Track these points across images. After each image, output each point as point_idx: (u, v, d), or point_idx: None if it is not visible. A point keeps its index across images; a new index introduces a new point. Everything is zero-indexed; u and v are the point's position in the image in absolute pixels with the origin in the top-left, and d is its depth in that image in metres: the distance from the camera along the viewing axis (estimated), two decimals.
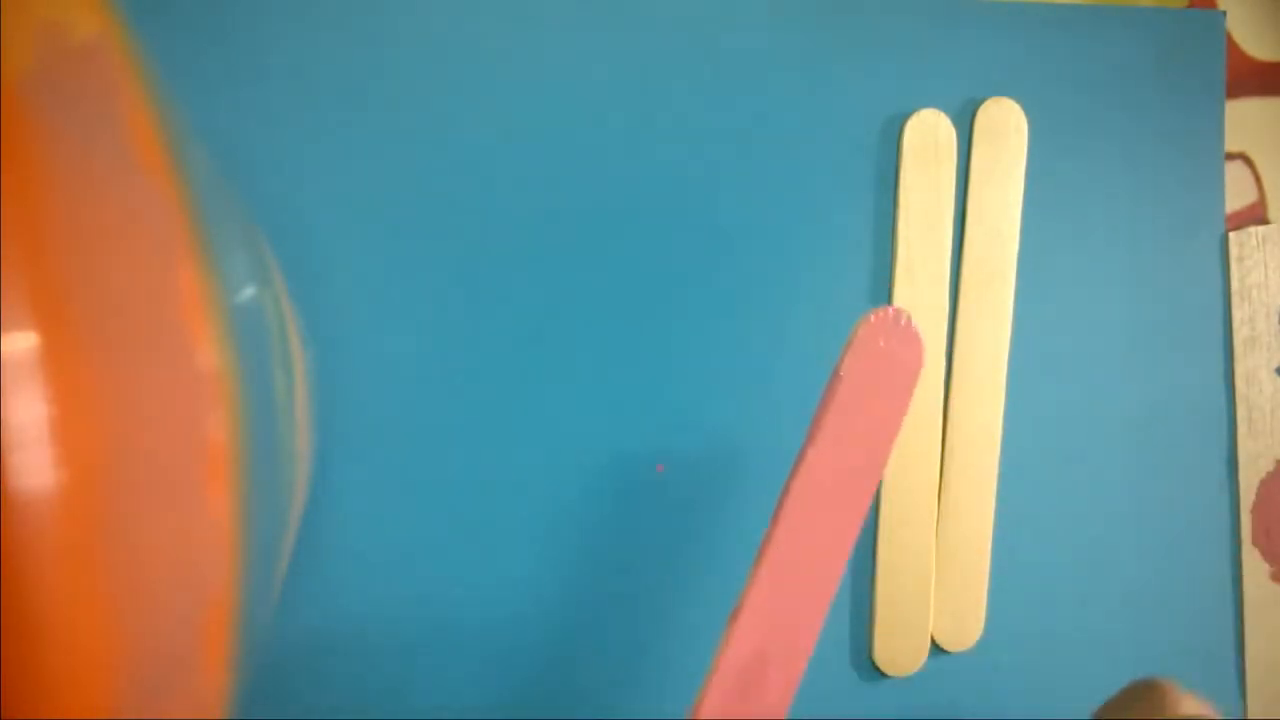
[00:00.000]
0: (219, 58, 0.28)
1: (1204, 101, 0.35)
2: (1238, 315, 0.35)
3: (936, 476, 0.32)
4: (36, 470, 0.10)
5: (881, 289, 0.33)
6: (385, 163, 0.30)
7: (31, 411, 0.10)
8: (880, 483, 0.32)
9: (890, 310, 0.23)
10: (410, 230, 0.30)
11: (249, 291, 0.17)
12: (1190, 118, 0.35)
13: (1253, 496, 0.35)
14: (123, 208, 0.13)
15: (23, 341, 0.10)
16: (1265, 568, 0.35)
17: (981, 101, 0.33)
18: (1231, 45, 0.35)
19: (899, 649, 0.32)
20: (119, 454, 0.11)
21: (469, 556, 0.30)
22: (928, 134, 0.32)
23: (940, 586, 0.32)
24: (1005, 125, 0.33)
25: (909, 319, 0.23)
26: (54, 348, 0.11)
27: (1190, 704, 0.22)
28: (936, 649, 0.33)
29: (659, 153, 0.31)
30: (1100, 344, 0.34)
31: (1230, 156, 0.35)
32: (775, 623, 0.23)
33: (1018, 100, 0.33)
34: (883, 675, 0.32)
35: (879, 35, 0.33)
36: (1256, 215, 0.36)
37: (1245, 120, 0.35)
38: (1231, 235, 0.35)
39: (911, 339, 0.23)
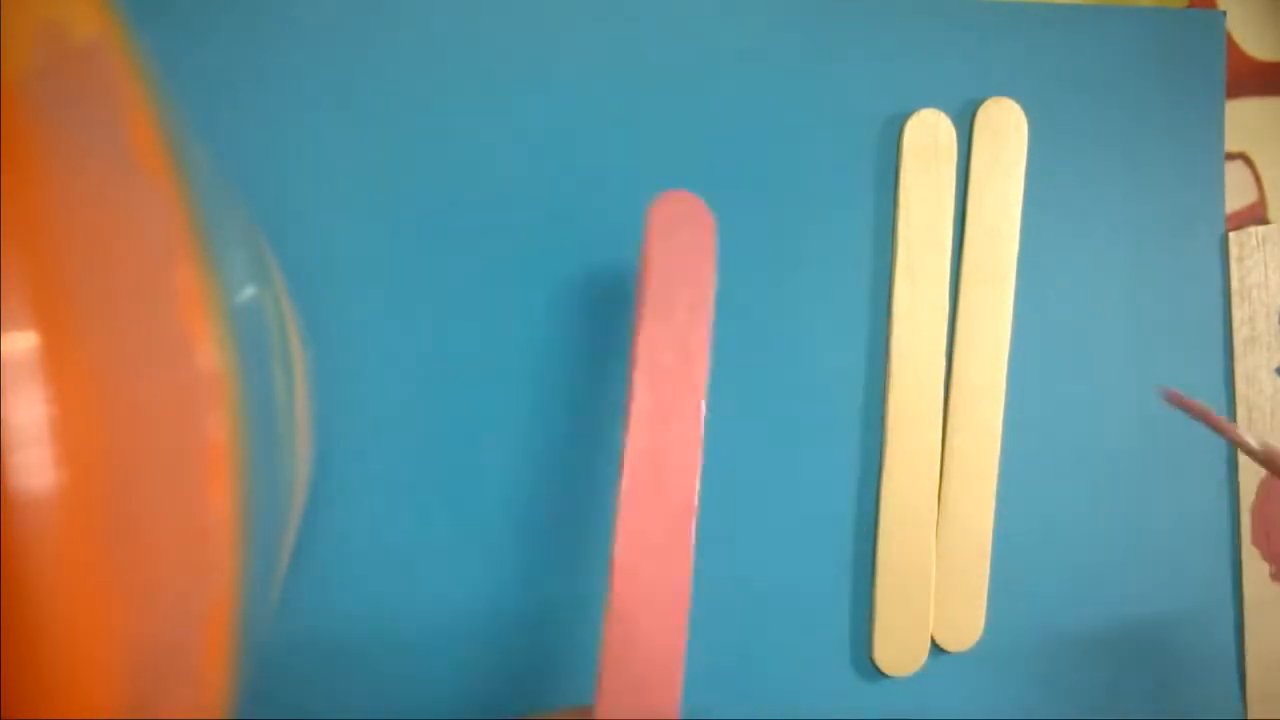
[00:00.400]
0: (219, 58, 0.28)
1: (1204, 101, 0.35)
2: (1238, 315, 0.35)
3: (936, 476, 0.32)
4: (36, 470, 0.10)
5: (882, 289, 0.33)
6: (386, 163, 0.30)
7: (31, 411, 0.10)
8: (881, 484, 0.32)
9: (675, 195, 0.25)
10: (411, 230, 0.30)
11: (249, 291, 0.17)
12: (1190, 118, 0.35)
13: (1253, 497, 0.35)
14: (123, 208, 0.13)
15: (23, 341, 0.10)
16: (1265, 568, 0.35)
17: (981, 101, 0.33)
18: (1231, 45, 0.35)
19: (899, 649, 0.32)
20: (119, 454, 0.11)
21: (469, 556, 0.30)
22: (928, 134, 0.32)
23: (940, 586, 0.32)
24: (1005, 125, 0.33)
25: (696, 200, 0.25)
26: (54, 348, 0.11)
27: None
28: (936, 649, 0.33)
29: (659, 153, 0.31)
30: (1100, 344, 0.34)
31: (1230, 156, 0.35)
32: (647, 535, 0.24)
33: (1018, 100, 0.33)
34: (883, 675, 0.32)
35: (879, 35, 0.33)
36: (1256, 215, 0.36)
37: (1245, 120, 0.35)
38: (1231, 235, 0.35)
39: (699, 216, 0.25)
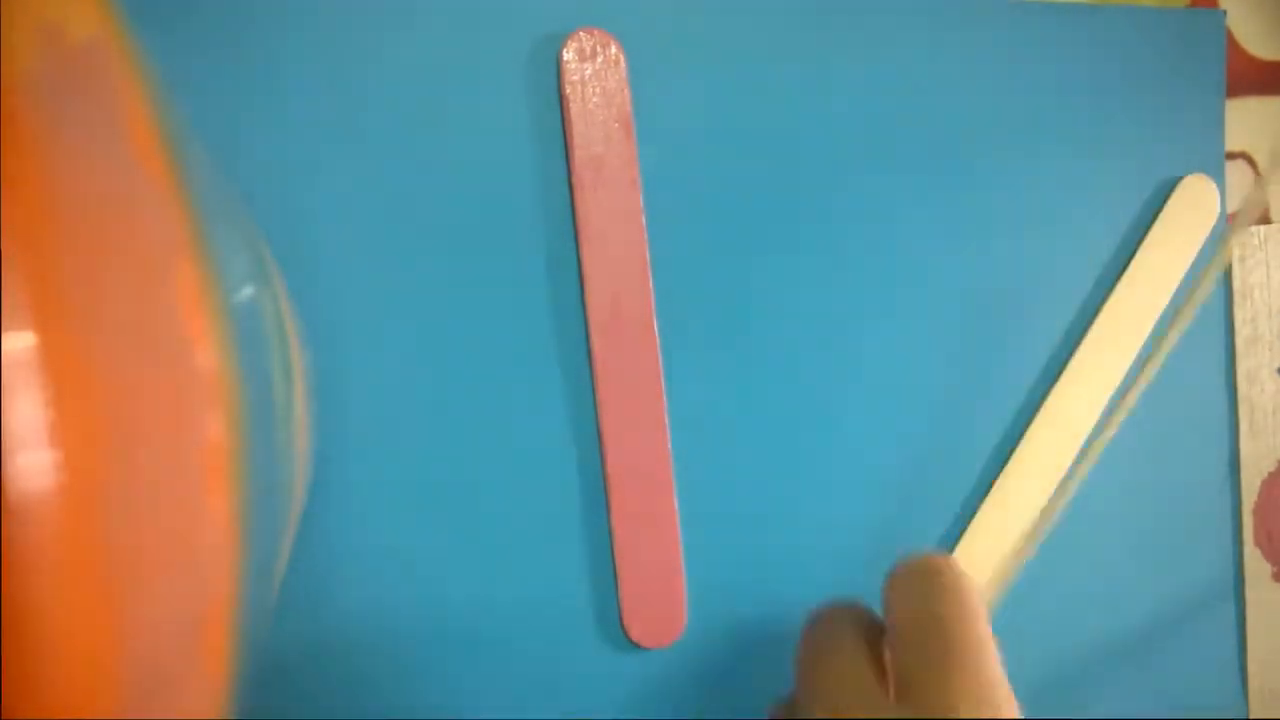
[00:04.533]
0: (219, 58, 0.28)
1: (1205, 100, 0.35)
2: (1239, 315, 0.35)
3: None
4: (36, 471, 0.10)
5: (882, 289, 0.33)
6: (386, 162, 0.30)
7: (31, 412, 0.10)
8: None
9: (584, 34, 0.29)
10: (411, 230, 0.30)
11: (249, 291, 0.17)
12: (1191, 117, 0.35)
13: (1255, 497, 0.35)
14: (123, 208, 0.13)
15: (23, 341, 0.10)
16: (1267, 568, 0.35)
17: (982, 101, 0.33)
18: (1232, 44, 0.35)
19: None
20: (119, 454, 0.11)
21: (469, 557, 0.30)
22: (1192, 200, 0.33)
23: None
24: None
25: (608, 44, 0.29)
26: (54, 348, 0.11)
27: None
28: None
29: (657, 153, 0.31)
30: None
31: (1231, 156, 0.35)
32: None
33: (1017, 99, 0.33)
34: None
35: (879, 35, 0.33)
36: (1258, 214, 0.35)
37: (1246, 119, 0.35)
38: None
39: (611, 65, 0.28)
